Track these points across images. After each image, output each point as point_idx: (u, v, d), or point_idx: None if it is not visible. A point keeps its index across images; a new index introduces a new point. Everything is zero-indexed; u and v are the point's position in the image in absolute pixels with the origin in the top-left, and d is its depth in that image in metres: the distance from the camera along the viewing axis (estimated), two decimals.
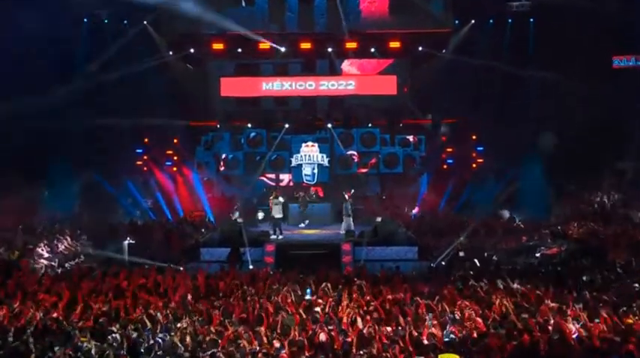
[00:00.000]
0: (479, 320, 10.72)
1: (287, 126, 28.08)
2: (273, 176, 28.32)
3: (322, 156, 27.19)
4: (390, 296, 12.42)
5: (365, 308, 11.64)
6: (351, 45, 25.67)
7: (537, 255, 18.52)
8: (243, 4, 25.07)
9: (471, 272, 15.29)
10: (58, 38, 21.85)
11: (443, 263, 17.87)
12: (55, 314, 11.25)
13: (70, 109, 22.56)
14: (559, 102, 23.34)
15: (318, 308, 11.56)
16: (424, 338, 9.86)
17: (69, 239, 19.90)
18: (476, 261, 17.38)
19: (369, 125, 28.39)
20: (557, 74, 22.75)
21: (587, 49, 22.43)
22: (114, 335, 10.02)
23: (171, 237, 21.25)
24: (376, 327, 10.30)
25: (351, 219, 21.06)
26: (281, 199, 21.34)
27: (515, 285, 13.31)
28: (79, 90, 23.15)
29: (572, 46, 22.42)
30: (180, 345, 9.55)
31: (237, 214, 20.58)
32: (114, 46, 24.05)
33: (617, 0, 22.05)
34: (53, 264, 18.02)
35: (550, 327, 10.11)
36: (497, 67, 24.31)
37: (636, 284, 13.02)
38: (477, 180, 26.19)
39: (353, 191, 23.95)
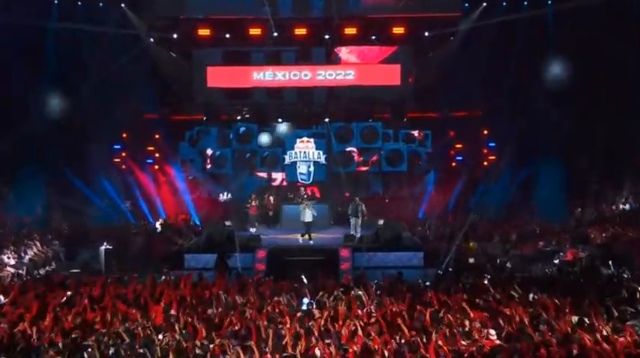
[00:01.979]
0: (491, 332, 10.69)
1: (280, 120, 28.05)
2: (265, 175, 28.29)
3: (319, 153, 27.15)
4: (393, 307, 12.39)
5: (366, 319, 11.59)
6: (351, 31, 25.60)
7: (555, 261, 18.51)
8: None
9: (484, 281, 15.28)
10: (25, 23, 21.72)
11: (450, 269, 17.85)
12: (22, 328, 11.16)
13: (38, 102, 22.46)
14: (579, 94, 23.28)
15: (313, 321, 11.51)
16: (431, 352, 9.82)
17: (38, 244, 19.82)
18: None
19: (370, 119, 28.36)
20: (579, 62, 22.71)
21: (613, 35, 22.32)
22: (89, 350, 9.95)
23: (152, 242, 21.20)
24: (378, 341, 10.26)
25: (359, 221, 21.00)
26: (307, 203, 21.30)
27: (531, 295, 13.28)
28: (48, 81, 23.05)
29: (595, 32, 22.33)
30: None
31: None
32: (88, 31, 23.91)
33: None
34: (21, 272, 17.94)
35: (570, 341, 10.08)
36: (512, 54, 24.28)
37: None
38: (489, 179, 26.18)
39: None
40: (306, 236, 20.77)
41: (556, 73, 23.72)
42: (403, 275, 16.46)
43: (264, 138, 27.49)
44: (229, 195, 22.13)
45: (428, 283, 15.68)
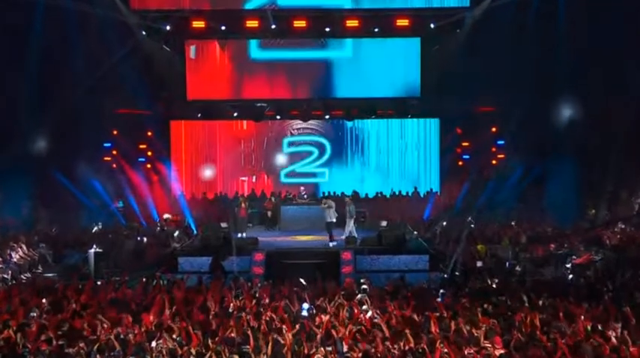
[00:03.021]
0: (499, 339, 10.66)
1: (278, 117, 28.06)
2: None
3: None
4: (397, 313, 12.38)
5: (369, 325, 11.57)
6: (352, 23, 25.53)
7: (568, 265, 18.48)
8: None
9: (493, 285, 15.28)
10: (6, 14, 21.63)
11: (457, 273, 17.83)
12: (6, 335, 11.13)
13: (23, 97, 22.37)
14: (594, 88, 23.17)
15: (314, 326, 11.49)
16: None
17: (24, 247, 19.76)
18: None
19: (373, 116, 28.35)
20: (593, 56, 22.62)
21: (630, 26, 22.20)
22: None
23: (144, 244, 21.17)
24: (381, 348, 10.24)
25: (351, 222, 21.00)
26: (331, 203, 21.18)
27: (542, 300, 13.26)
28: (33, 75, 22.93)
29: (611, 23, 22.20)
30: None
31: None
32: (75, 23, 23.80)
33: None
34: (5, 276, 17.89)
35: (583, 349, 10.05)
36: (522, 48, 24.17)
37: None
38: (498, 179, 26.11)
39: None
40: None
41: (570, 65, 23.57)
42: (407, 279, 16.47)
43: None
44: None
45: (433, 287, 15.68)
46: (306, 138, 28.98)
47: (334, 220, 20.58)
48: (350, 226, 20.85)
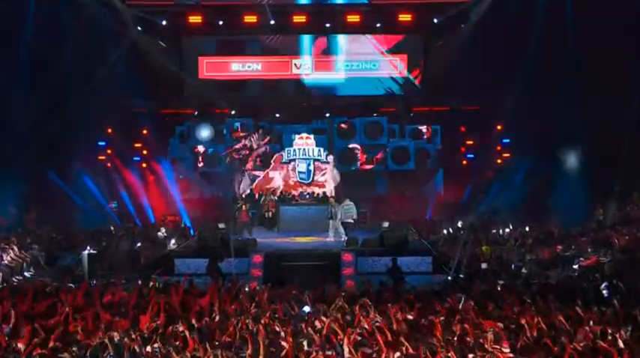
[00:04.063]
0: (505, 344, 10.65)
1: (278, 115, 28.05)
2: (261, 174, 28.29)
3: (319, 151, 27.09)
4: (399, 316, 12.36)
5: (370, 329, 11.56)
6: (354, 19, 25.58)
7: (575, 267, 18.47)
8: None
9: (498, 287, 15.27)
10: None
11: (461, 275, 17.83)
12: None
13: (13, 93, 22.38)
14: (603, 85, 23.16)
15: (314, 330, 11.48)
16: None
17: (16, 249, 19.73)
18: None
19: (375, 114, 28.35)
20: (601, 51, 22.61)
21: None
22: None
23: (139, 246, 21.15)
24: (383, 352, 10.23)
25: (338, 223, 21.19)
26: (348, 202, 21.27)
27: (549, 303, 13.24)
28: (25, 72, 22.96)
29: (619, 18, 22.20)
30: None
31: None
32: (69, 17, 23.82)
33: None
34: None
35: (591, 354, 10.04)
36: (528, 43, 24.19)
37: None
38: (502, 178, 26.11)
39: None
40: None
41: (577, 58, 23.52)
42: (409, 281, 16.49)
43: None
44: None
45: (437, 290, 15.68)
46: (306, 136, 28.86)
47: (351, 220, 20.62)
48: (339, 228, 21.00)
